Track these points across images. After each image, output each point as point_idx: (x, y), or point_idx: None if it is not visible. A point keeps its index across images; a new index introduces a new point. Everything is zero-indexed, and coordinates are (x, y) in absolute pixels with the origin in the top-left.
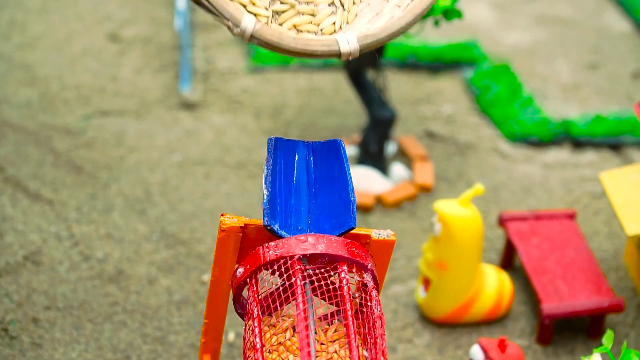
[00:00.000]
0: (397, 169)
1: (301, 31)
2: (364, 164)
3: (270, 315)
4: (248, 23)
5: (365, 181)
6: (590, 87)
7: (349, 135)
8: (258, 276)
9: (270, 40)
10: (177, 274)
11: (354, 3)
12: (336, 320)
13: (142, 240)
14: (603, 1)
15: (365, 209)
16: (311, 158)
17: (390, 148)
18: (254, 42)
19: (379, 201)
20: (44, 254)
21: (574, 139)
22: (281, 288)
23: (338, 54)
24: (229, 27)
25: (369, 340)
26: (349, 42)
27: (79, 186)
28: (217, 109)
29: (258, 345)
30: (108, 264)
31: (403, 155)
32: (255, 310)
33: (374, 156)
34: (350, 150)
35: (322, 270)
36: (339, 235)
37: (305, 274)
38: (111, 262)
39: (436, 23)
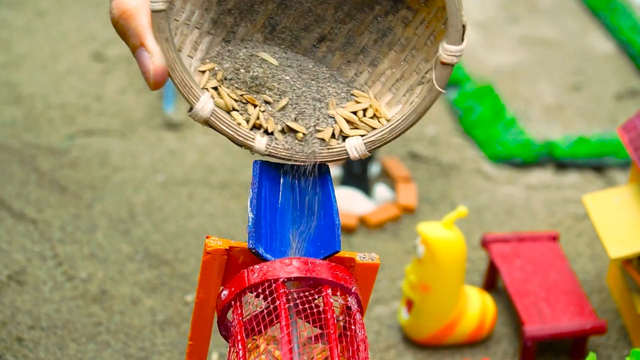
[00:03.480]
0: (381, 190)
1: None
2: (347, 184)
3: (254, 338)
4: (260, 147)
5: (348, 202)
6: (573, 109)
7: None
8: (243, 299)
9: (283, 157)
10: (161, 295)
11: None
12: (320, 344)
13: (126, 260)
14: (587, 22)
15: (349, 230)
16: (296, 182)
17: (374, 169)
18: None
19: (362, 222)
20: (28, 273)
21: (557, 160)
22: (265, 311)
23: (347, 159)
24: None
25: None
26: (357, 150)
27: (63, 206)
28: (201, 129)
29: None
30: (92, 284)
31: (386, 176)
32: (239, 333)
33: (357, 177)
34: (334, 171)
35: (307, 293)
36: (324, 259)
37: (290, 297)
38: (95, 282)
39: None
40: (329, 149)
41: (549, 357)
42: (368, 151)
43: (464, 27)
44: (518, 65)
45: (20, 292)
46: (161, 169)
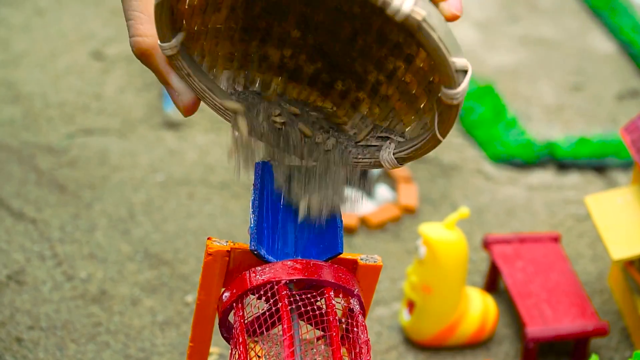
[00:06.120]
0: (382, 190)
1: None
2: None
3: (256, 340)
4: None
5: (349, 202)
6: (574, 109)
7: None
8: (244, 301)
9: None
10: (161, 295)
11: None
12: (322, 346)
13: (126, 260)
14: (587, 22)
15: (350, 230)
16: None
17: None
18: None
19: (363, 222)
20: (28, 273)
21: (558, 161)
22: (267, 313)
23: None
24: None
25: None
26: (389, 162)
27: (62, 205)
28: (200, 129)
29: None
30: (91, 284)
31: (387, 177)
32: (241, 335)
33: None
34: None
35: (309, 295)
36: (326, 261)
37: (292, 299)
38: (94, 282)
39: None
40: (363, 159)
41: (551, 358)
42: (399, 163)
43: (459, 71)
44: (518, 65)
45: (20, 292)
46: (161, 169)
